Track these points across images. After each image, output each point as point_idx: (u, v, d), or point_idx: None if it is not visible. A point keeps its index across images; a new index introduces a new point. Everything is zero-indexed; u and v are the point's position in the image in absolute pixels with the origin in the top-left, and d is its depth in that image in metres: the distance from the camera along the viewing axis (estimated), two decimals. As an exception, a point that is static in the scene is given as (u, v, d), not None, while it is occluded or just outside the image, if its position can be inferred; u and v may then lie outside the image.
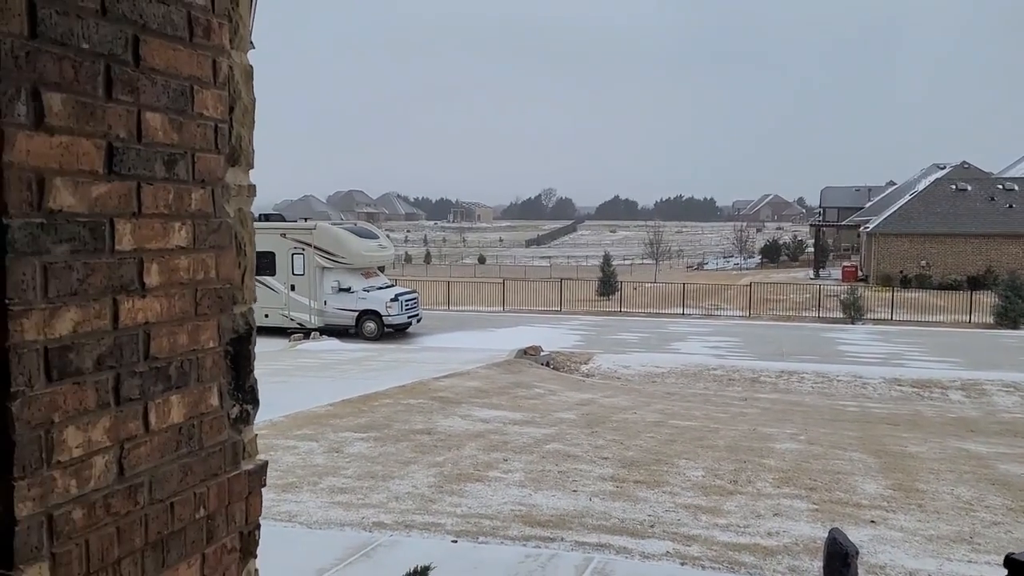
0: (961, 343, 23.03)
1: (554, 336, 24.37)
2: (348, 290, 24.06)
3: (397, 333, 24.55)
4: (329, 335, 23.72)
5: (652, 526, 6.20)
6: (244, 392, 2.22)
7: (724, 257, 77.07)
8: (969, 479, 8.25)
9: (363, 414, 11.13)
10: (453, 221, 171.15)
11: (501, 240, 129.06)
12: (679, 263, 74.92)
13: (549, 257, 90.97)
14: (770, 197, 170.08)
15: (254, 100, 2.25)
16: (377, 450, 8.78)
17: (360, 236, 25.25)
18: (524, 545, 5.55)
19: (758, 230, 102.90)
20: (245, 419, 2.23)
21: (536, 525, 6.06)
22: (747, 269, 61.45)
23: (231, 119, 2.14)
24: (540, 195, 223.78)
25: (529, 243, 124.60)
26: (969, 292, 30.94)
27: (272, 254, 24.06)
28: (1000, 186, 41.55)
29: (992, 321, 26.65)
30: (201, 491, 2.01)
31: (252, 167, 2.27)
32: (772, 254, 66.79)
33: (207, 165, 2.02)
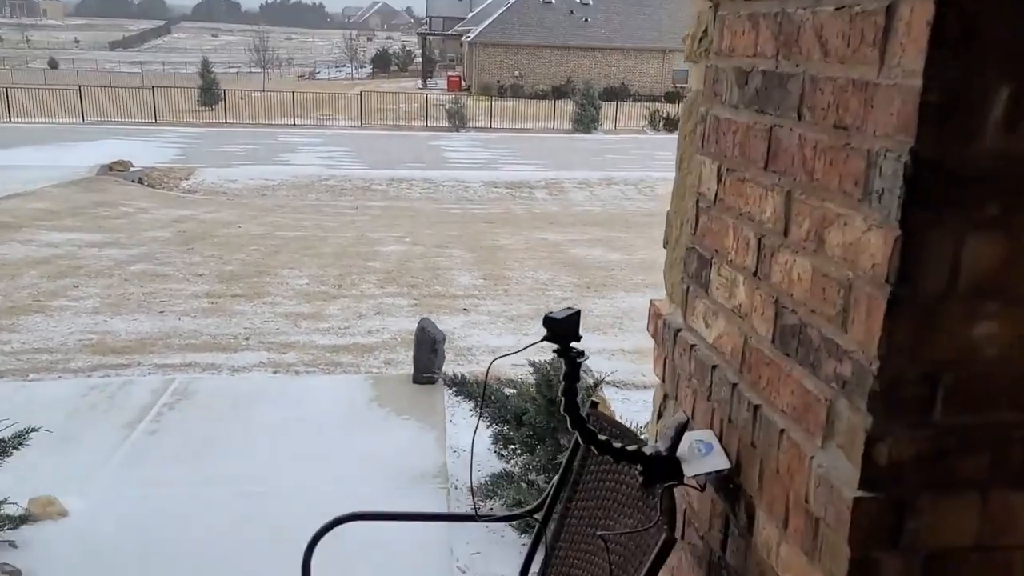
0: (546, 147, 25.54)
1: (148, 150, 21.79)
2: None
3: (-65, 150, 19.85)
4: None
5: (247, 339, 5.88)
6: None
7: (336, 66, 74.92)
8: (547, 264, 9.22)
9: None
10: (11, 16, 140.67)
11: (77, 41, 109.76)
12: (289, 72, 71.07)
13: (140, 63, 79.90)
14: (379, 5, 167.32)
15: None
16: (-103, 290, 7.02)
17: None
18: (89, 376, 4.86)
19: (369, 39, 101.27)
20: None
21: (109, 353, 5.35)
22: (359, 79, 60.58)
23: None
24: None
25: (114, 46, 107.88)
26: (553, 101, 34.16)
27: None
28: (578, 0, 45.36)
29: (571, 127, 29.88)
30: None
31: None
32: (383, 64, 66.58)
33: None
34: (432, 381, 4.70)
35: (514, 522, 2.95)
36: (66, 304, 6.62)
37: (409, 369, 4.99)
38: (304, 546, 1.89)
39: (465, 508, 3.38)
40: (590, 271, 8.85)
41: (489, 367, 1.59)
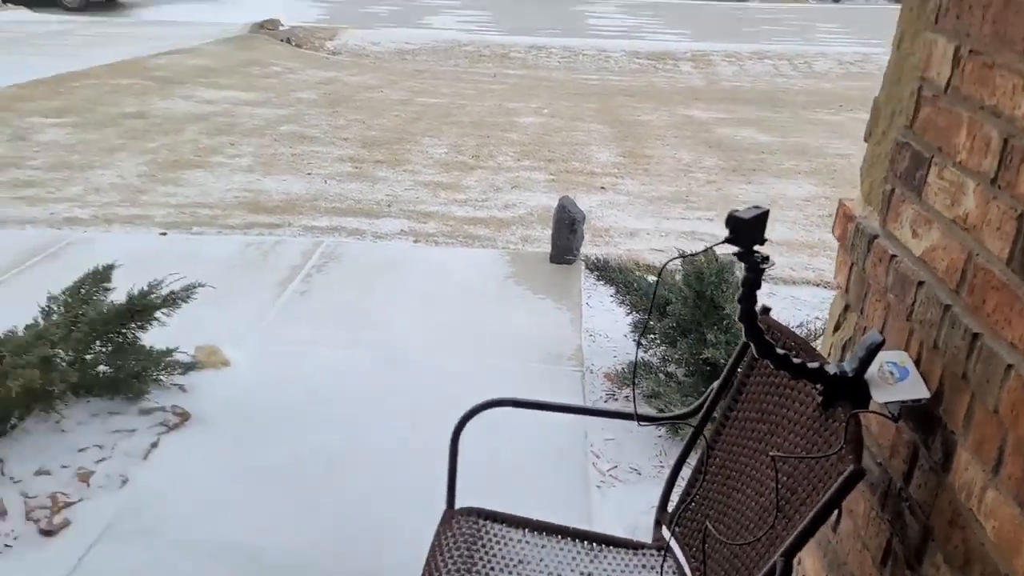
0: (695, 15, 23.95)
1: (296, 8, 22.09)
2: (29, -54, 19.56)
3: (107, 4, 20.86)
4: (16, 3, 19.61)
5: (389, 205, 5.95)
6: None
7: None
8: (690, 143, 8.78)
9: (59, 96, 9.44)
10: None
11: None
12: (432, -71, 69.22)
13: (287, -83, 79.83)
14: None
15: None
16: (76, 137, 7.52)
17: None
18: (245, 233, 5.08)
19: None
20: None
21: (262, 212, 5.56)
22: (502, -63, 58.21)
23: None
24: None
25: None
26: (709, -34, 31.64)
27: None
28: None
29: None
30: None
31: None
32: (528, -79, 63.50)
33: None
34: (570, 262, 4.63)
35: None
36: (223, 161, 6.91)
37: (546, 247, 4.92)
38: (446, 419, 1.90)
39: (600, 394, 3.36)
40: (737, 153, 8.36)
41: (662, 268, 1.47)
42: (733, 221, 1.36)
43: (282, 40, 18.19)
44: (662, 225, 5.89)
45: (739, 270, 3.38)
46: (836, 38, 20.44)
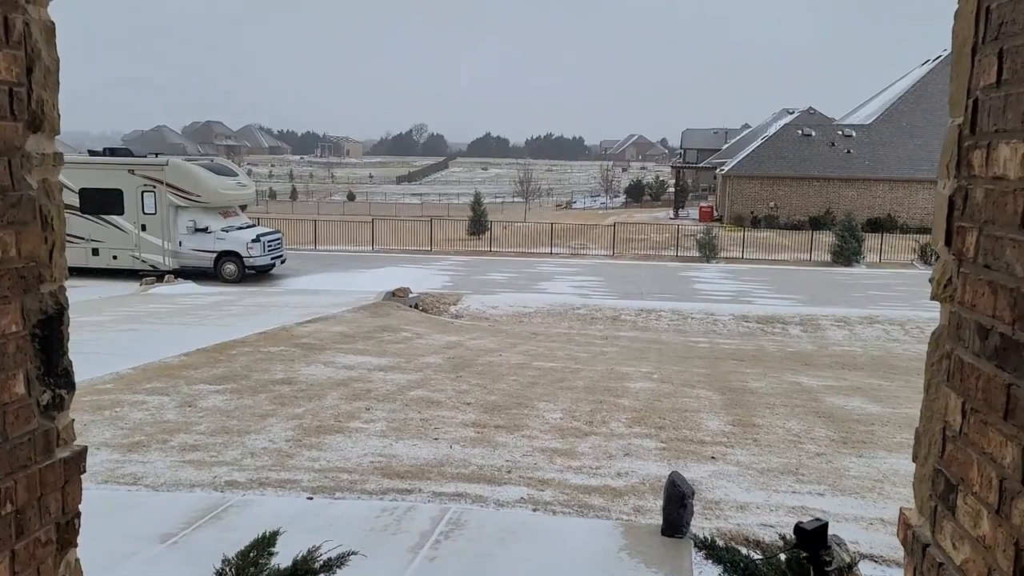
0: (801, 280, 24.75)
1: (423, 277, 24.34)
2: (205, 230, 22.96)
3: (260, 275, 23.76)
4: (185, 278, 22.67)
5: (509, 472, 6.40)
6: (56, 376, 2.11)
7: (591, 196, 78.75)
8: (800, 412, 8.97)
9: (220, 364, 10.77)
10: (320, 156, 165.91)
11: (371, 176, 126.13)
12: (548, 202, 75.97)
13: (420, 195, 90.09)
14: (635, 137, 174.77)
15: (57, 60, 2.09)
16: (233, 403, 8.53)
17: (217, 173, 24.01)
18: (381, 499, 5.60)
19: (624, 169, 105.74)
20: (58, 405, 2.13)
21: (395, 477, 6.12)
22: (612, 208, 63.19)
23: (30, 82, 1.98)
24: (411, 130, 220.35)
25: (400, 180, 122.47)
26: (811, 232, 33.16)
27: (119, 192, 22.58)
28: (840, 132, 44.41)
29: (829, 259, 28.72)
30: (7, 485, 1.92)
31: (57, 133, 2.12)
32: (636, 194, 68.98)
33: (1, 134, 1.87)
34: (681, 536, 4.84)
35: None
36: (360, 426, 7.66)
37: (658, 518, 5.16)
38: None
39: (712, 674, 3.47)
40: (847, 424, 8.48)
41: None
42: (799, 532, 1.74)
43: (411, 306, 20.01)
44: (772, 499, 6.02)
45: (843, 553, 3.57)
46: (947, 301, 20.52)
